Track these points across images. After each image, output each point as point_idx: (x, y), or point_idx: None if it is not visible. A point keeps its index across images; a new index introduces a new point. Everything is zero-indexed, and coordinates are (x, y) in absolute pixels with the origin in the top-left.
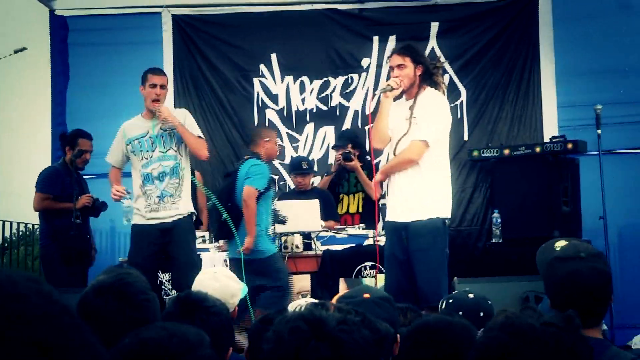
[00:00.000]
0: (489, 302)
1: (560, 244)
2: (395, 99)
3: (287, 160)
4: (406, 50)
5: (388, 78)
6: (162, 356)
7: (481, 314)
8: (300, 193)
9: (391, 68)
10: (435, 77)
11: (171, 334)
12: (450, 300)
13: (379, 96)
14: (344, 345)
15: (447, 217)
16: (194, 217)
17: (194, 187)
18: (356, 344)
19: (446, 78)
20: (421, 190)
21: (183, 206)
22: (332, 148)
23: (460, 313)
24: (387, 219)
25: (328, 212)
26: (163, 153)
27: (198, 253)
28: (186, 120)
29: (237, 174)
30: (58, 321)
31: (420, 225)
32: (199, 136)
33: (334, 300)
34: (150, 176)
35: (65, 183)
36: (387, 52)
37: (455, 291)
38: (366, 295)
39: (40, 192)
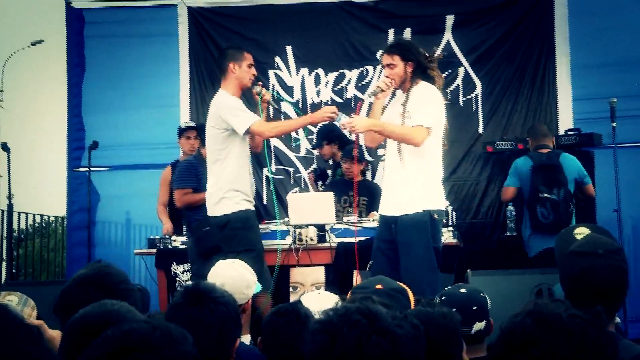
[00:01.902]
0: (482, 294)
1: (580, 231)
2: (392, 96)
3: (302, 153)
4: (395, 48)
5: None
6: (144, 347)
7: (474, 307)
8: (349, 183)
9: (383, 67)
10: (429, 71)
11: (154, 326)
12: (443, 297)
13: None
14: (400, 339)
15: (437, 209)
16: None
17: None
18: (408, 339)
19: (461, 71)
20: (410, 184)
21: None
22: (313, 148)
23: (454, 309)
24: (380, 212)
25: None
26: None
27: None
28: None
29: (562, 167)
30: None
31: (408, 219)
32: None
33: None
34: (250, 160)
35: (200, 174)
36: None
37: (449, 287)
38: (379, 286)
39: (179, 188)
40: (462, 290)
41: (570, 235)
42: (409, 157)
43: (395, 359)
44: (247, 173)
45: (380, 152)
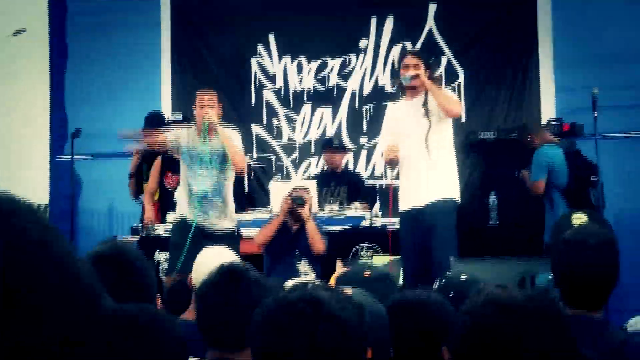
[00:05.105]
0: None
1: (577, 217)
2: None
3: (285, 140)
4: (419, 53)
5: (393, 68)
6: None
7: None
8: (331, 174)
9: (406, 66)
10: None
11: (142, 309)
12: (443, 280)
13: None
14: (347, 323)
15: (458, 200)
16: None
17: None
18: (353, 321)
19: (444, 60)
20: (440, 174)
21: (228, 222)
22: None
23: (451, 294)
24: (405, 207)
25: (362, 193)
26: (209, 171)
27: None
28: (233, 137)
29: None
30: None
31: (439, 204)
32: (241, 151)
33: (332, 278)
34: (192, 193)
35: None
36: (386, 34)
37: (450, 271)
38: (367, 273)
39: None
40: (463, 277)
41: (567, 221)
42: (435, 151)
43: (345, 342)
44: (186, 195)
45: (362, 140)
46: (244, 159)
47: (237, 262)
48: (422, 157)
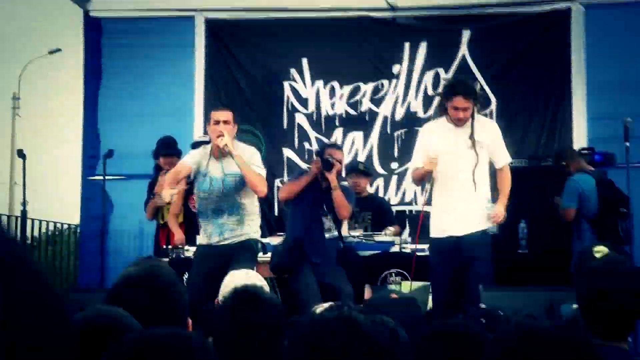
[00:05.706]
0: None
1: (599, 249)
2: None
3: None
4: (471, 93)
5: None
6: (163, 352)
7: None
8: (357, 199)
9: (455, 108)
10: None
11: (174, 334)
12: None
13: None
14: (381, 346)
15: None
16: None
17: None
18: (389, 345)
19: (477, 86)
20: (478, 205)
21: (246, 234)
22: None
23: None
24: (441, 234)
25: (389, 219)
26: (223, 193)
27: None
28: (252, 159)
29: None
30: None
31: (478, 235)
32: (260, 174)
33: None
34: (205, 211)
35: None
36: (419, 60)
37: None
38: (393, 296)
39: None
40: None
41: (589, 253)
42: (480, 183)
43: None
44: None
45: (392, 165)
46: (263, 182)
47: (254, 284)
48: (468, 189)
